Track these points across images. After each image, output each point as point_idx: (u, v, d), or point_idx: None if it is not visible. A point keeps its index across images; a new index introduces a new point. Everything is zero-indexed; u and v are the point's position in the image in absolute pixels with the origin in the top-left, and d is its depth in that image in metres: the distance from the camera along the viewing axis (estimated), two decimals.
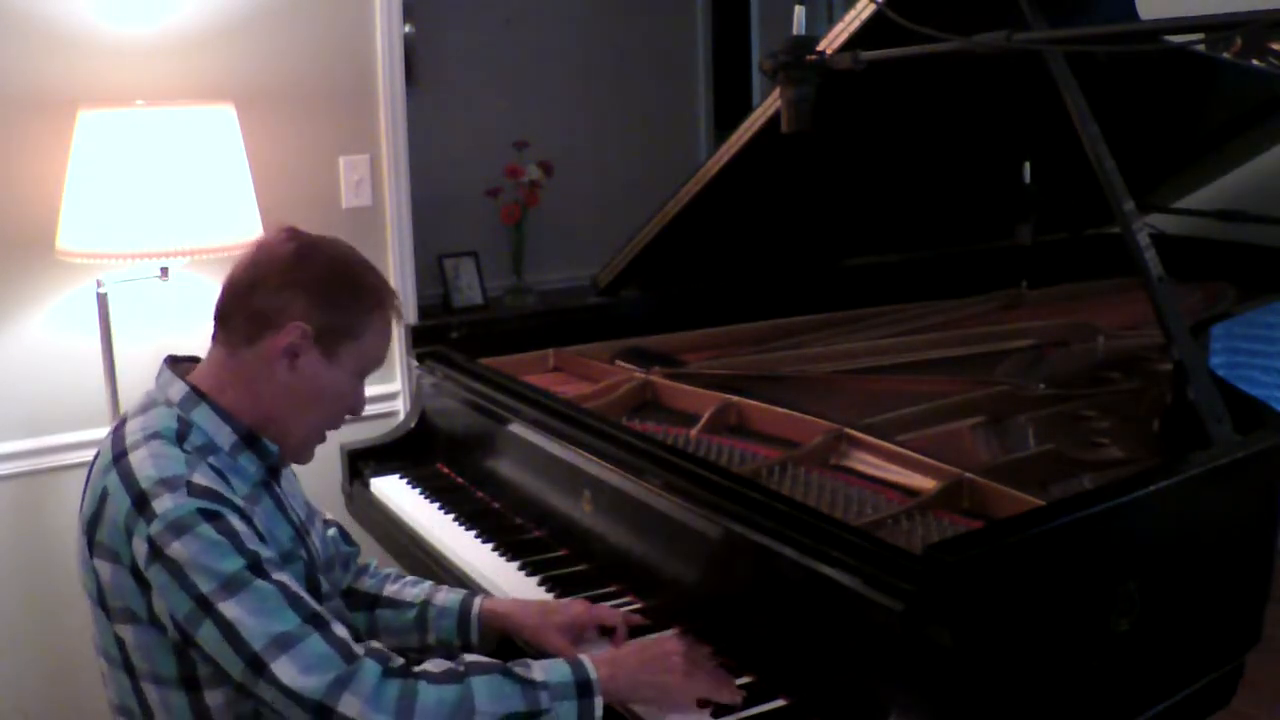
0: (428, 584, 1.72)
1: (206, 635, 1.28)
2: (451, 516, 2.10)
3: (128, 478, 1.35)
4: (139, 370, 2.38)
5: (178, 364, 1.53)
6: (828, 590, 1.38)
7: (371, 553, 1.96)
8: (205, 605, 1.28)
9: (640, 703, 1.37)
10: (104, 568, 1.37)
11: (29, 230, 2.38)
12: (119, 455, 1.39)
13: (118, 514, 1.34)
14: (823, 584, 1.39)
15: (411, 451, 2.33)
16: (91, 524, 1.38)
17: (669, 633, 1.50)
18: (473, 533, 2.01)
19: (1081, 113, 1.76)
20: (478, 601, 1.64)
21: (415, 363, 2.41)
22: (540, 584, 1.80)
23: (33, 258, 2.39)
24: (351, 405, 1.55)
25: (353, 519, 2.33)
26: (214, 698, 1.37)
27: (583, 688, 1.34)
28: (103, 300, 2.37)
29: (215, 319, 1.51)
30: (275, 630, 1.27)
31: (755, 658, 1.51)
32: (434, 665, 1.33)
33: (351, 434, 2.50)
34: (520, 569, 1.86)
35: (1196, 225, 3.02)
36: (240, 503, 1.38)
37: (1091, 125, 1.76)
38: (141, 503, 1.32)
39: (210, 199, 2.26)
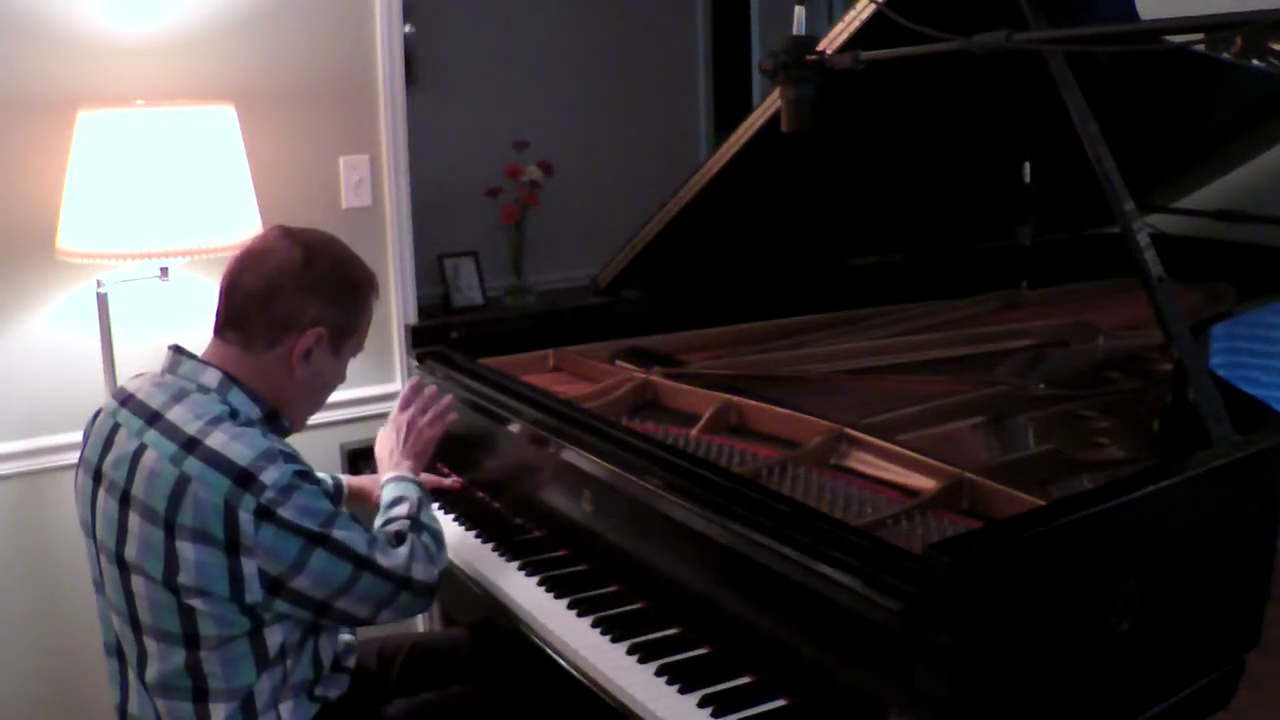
0: None
1: (317, 562, 1.53)
2: (451, 516, 2.10)
3: (216, 460, 1.51)
4: (138, 370, 2.37)
5: (182, 354, 1.66)
6: (828, 590, 1.38)
7: None
8: (318, 539, 1.53)
9: (424, 460, 1.94)
10: (187, 548, 1.50)
11: (29, 230, 2.38)
12: (187, 444, 1.52)
13: (212, 495, 1.49)
14: (823, 583, 1.39)
15: None
16: (171, 509, 1.50)
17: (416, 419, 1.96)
18: (473, 533, 2.01)
19: (1081, 113, 1.76)
20: (345, 480, 2.13)
21: (415, 363, 2.41)
22: (540, 584, 1.80)
23: (33, 258, 2.39)
24: (339, 382, 1.77)
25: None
26: (272, 634, 1.57)
27: (419, 487, 1.84)
28: (103, 300, 2.37)
29: (227, 322, 1.64)
30: (365, 536, 1.60)
31: (755, 658, 1.51)
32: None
33: (351, 434, 2.50)
34: (520, 569, 1.86)
35: (1197, 225, 3.02)
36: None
37: (1091, 125, 1.76)
38: (246, 479, 1.50)
39: (210, 199, 2.26)
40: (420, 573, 1.65)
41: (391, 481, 1.84)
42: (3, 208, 2.38)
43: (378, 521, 1.76)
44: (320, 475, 1.95)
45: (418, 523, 1.73)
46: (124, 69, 2.45)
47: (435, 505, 2.13)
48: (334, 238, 1.72)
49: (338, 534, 1.56)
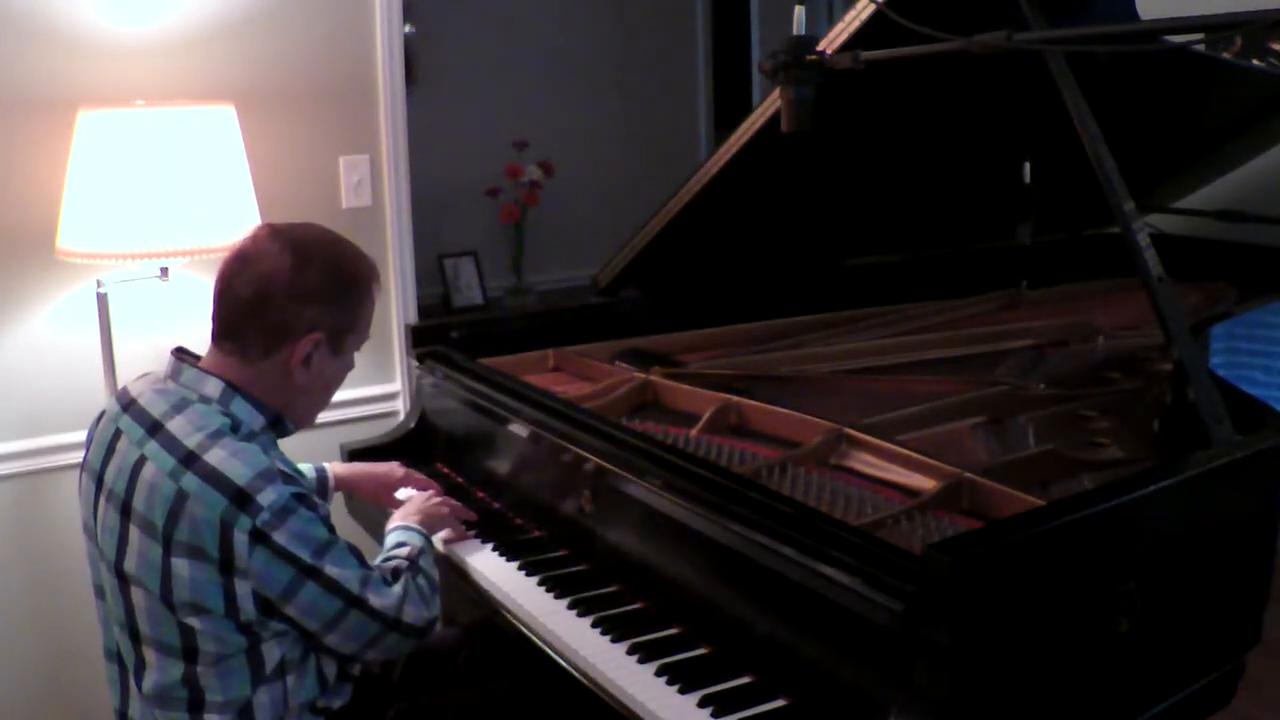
0: None
1: (307, 594, 1.52)
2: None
3: (214, 478, 1.49)
4: (138, 370, 2.37)
5: (185, 358, 1.63)
6: (828, 590, 1.38)
7: (370, 553, 1.96)
8: (310, 571, 1.52)
9: (433, 529, 1.91)
10: (181, 564, 1.48)
11: (29, 230, 2.38)
12: (186, 458, 1.50)
13: (208, 513, 1.47)
14: (823, 584, 1.39)
15: (411, 451, 2.33)
16: (169, 525, 1.49)
17: (435, 497, 1.99)
18: (473, 532, 2.01)
19: (1081, 113, 1.76)
20: (329, 468, 2.08)
21: (415, 363, 2.41)
22: (540, 584, 1.80)
23: (33, 258, 2.39)
24: (346, 374, 1.73)
25: (352, 518, 2.32)
26: (269, 650, 1.55)
27: (424, 538, 1.83)
28: (103, 300, 2.37)
29: (223, 332, 1.61)
30: (359, 574, 1.58)
31: (755, 658, 1.51)
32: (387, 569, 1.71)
33: (352, 434, 2.50)
34: (520, 569, 1.86)
35: (1196, 225, 3.02)
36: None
37: (1091, 125, 1.76)
38: (242, 499, 1.48)
39: (210, 199, 2.26)
40: (411, 615, 1.64)
41: (399, 529, 1.83)
42: (3, 208, 2.38)
43: (378, 559, 1.75)
44: (304, 466, 1.94)
45: (416, 566, 1.72)
46: (124, 69, 2.45)
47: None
48: (326, 232, 1.66)
49: (330, 570, 1.54)
